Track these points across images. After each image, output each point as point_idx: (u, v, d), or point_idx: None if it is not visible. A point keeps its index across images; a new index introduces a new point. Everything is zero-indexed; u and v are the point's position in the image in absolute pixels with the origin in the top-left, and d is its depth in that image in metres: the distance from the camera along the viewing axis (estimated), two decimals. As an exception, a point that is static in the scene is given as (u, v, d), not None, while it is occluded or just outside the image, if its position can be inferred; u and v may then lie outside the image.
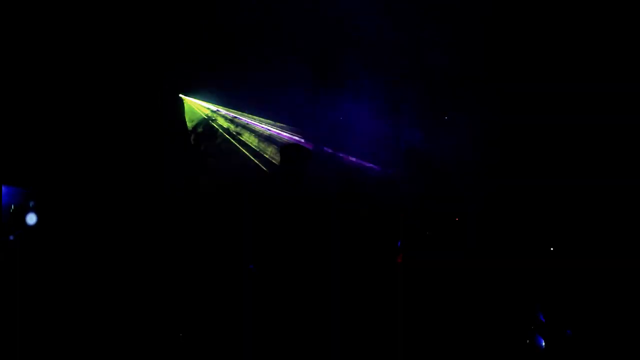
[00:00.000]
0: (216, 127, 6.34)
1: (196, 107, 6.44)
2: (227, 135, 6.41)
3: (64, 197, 5.71)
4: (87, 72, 5.80)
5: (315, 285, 5.33)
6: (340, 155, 6.44)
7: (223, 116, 6.44)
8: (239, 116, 6.44)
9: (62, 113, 5.77)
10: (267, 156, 6.27)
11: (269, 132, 6.39)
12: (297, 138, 6.29)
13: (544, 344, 4.69)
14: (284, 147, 5.60)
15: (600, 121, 5.33)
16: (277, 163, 5.96)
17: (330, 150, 6.33)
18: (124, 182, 5.79)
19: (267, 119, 6.50)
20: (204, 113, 6.40)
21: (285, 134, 6.33)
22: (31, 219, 5.54)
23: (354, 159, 6.40)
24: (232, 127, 6.43)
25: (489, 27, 5.65)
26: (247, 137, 6.44)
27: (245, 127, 6.43)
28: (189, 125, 6.24)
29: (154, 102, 5.99)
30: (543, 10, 5.44)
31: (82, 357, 4.84)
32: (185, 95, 6.40)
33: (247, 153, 6.30)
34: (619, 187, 5.27)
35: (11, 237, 5.39)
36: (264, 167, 6.16)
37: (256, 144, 6.39)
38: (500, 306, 5.08)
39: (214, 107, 6.41)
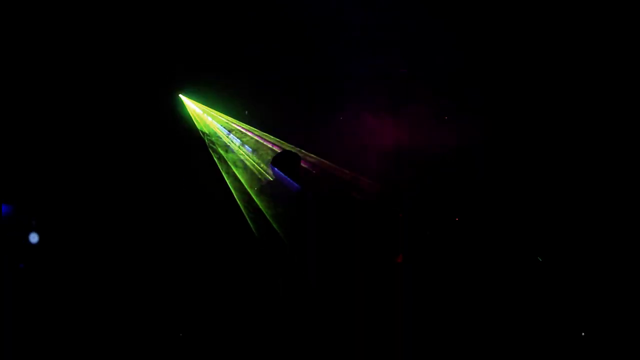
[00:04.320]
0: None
1: (195, 107, 6.42)
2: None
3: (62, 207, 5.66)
4: (86, 72, 5.77)
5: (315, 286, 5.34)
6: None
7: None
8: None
9: (59, 115, 5.74)
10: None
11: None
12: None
13: None
14: (275, 156, 5.75)
15: (601, 121, 5.37)
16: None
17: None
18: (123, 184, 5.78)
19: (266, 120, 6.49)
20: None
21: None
22: (34, 238, 5.42)
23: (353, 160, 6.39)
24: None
25: (489, 27, 5.67)
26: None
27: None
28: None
29: (152, 102, 5.97)
30: (544, 9, 5.47)
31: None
32: (185, 95, 6.38)
33: None
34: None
35: (21, 265, 5.29)
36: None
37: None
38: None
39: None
